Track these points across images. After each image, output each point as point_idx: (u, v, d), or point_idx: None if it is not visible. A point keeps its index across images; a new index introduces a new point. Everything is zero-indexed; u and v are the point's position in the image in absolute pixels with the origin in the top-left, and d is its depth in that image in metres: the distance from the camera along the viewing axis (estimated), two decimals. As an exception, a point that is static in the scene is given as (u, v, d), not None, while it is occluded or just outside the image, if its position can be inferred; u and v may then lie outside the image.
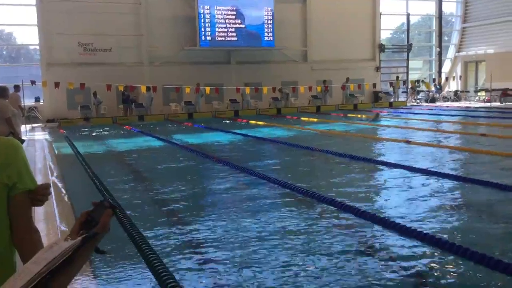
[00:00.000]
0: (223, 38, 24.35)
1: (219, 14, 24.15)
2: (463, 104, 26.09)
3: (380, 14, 28.64)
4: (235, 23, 24.54)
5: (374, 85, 26.68)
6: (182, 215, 5.98)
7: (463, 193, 6.97)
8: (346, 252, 4.47)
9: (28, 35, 23.82)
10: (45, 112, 21.80)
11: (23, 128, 15.46)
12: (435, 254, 4.41)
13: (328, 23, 26.39)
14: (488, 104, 24.65)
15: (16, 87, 17.17)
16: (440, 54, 30.47)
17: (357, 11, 27.42)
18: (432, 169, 8.16)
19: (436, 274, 4.00)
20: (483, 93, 27.39)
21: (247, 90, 23.44)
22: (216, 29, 24.12)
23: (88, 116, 21.23)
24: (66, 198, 6.82)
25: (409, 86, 28.80)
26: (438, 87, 29.48)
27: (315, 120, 19.48)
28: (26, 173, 1.76)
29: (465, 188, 7.14)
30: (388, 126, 16.19)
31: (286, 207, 6.20)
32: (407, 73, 29.84)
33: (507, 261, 3.87)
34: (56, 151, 12.56)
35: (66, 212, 5.96)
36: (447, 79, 30.64)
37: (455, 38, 31.03)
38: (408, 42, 29.79)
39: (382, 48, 28.78)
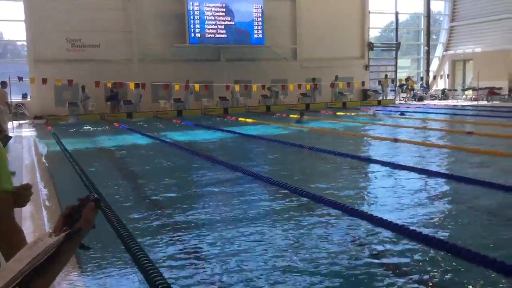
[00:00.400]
0: (213, 35, 24.30)
1: (209, 11, 24.09)
2: (450, 102, 26.31)
3: (369, 12, 28.78)
4: (224, 20, 24.50)
5: (363, 83, 26.82)
6: (171, 212, 5.98)
7: (449, 190, 7.05)
8: (334, 248, 4.51)
9: (15, 31, 23.53)
10: (33, 109, 21.59)
11: (10, 125, 15.33)
12: (421, 249, 4.46)
13: (318, 21, 26.46)
14: (475, 103, 24.91)
15: (3, 84, 16.99)
16: (428, 52, 30.70)
17: (347, 10, 27.52)
18: (419, 167, 8.25)
19: (422, 269, 4.05)
20: (470, 91, 27.66)
21: (237, 87, 23.42)
22: (206, 26, 24.06)
23: (76, 113, 21.04)
24: (53, 196, 6.77)
25: (397, 85, 29.01)
26: (425, 86, 29.69)
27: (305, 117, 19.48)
28: (3, 174, 1.74)
29: (452, 185, 7.22)
30: (377, 124, 16.30)
31: (274, 204, 6.23)
32: (396, 71, 30.06)
33: (491, 256, 3.94)
34: (43, 148, 12.47)
35: (53, 210, 5.93)
36: (435, 77, 30.89)
37: (443, 37, 31.26)
38: (396, 40, 29.97)
39: (371, 46, 28.92)
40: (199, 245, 4.73)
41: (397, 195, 6.67)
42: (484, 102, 24.86)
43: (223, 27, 24.46)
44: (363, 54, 28.74)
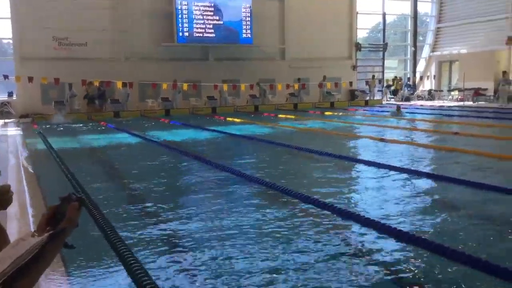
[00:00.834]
0: (201, 34, 24.26)
1: (197, 10, 24.04)
2: (436, 103, 26.56)
3: (357, 13, 28.94)
4: (213, 19, 24.46)
5: (351, 84, 26.97)
6: (158, 212, 5.96)
7: (436, 190, 7.11)
8: (322, 248, 4.53)
9: (1, 29, 23.24)
10: (19, 108, 21.35)
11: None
12: (408, 249, 4.51)
13: (306, 21, 26.56)
14: (461, 103, 25.17)
15: (-12, 82, 16.77)
16: (415, 53, 30.95)
17: (334, 10, 27.64)
18: (406, 167, 8.32)
19: (407, 268, 4.09)
20: (456, 92, 27.94)
21: (225, 87, 23.40)
22: (194, 25, 24.01)
23: (62, 112, 20.83)
24: (38, 195, 6.71)
25: (385, 85, 29.22)
26: (411, 86, 29.89)
27: (293, 117, 19.57)
28: None
29: (438, 185, 7.29)
30: (364, 124, 16.40)
31: (262, 204, 6.24)
32: (383, 72, 30.27)
33: (475, 256, 3.99)
34: (29, 147, 12.34)
35: (38, 209, 5.87)
36: (421, 78, 31.16)
37: (429, 38, 31.54)
38: (384, 41, 30.18)
39: (358, 47, 29.09)
40: (186, 245, 4.72)
41: (383, 194, 6.73)
42: (470, 103, 25.13)
43: (211, 26, 24.42)
44: (350, 55, 28.90)
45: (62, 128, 17.53)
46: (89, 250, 4.50)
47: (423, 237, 4.65)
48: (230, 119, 19.18)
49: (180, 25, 23.66)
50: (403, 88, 29.55)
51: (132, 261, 3.85)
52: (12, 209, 5.33)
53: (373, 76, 28.95)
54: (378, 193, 6.91)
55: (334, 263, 4.20)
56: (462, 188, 6.89)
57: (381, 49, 30.24)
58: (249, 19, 25.05)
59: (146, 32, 23.46)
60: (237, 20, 24.90)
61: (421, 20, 32.49)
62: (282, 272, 4.00)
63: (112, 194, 7.11)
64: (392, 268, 4.10)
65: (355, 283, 3.82)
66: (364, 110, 23.16)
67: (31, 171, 8.79)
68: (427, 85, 30.95)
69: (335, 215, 5.51)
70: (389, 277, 3.98)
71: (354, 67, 28.96)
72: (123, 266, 3.90)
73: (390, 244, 4.63)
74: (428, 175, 7.78)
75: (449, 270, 4.08)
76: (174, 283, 3.90)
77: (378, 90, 29.55)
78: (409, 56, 31.85)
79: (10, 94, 21.96)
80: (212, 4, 24.37)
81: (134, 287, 3.50)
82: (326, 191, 6.78)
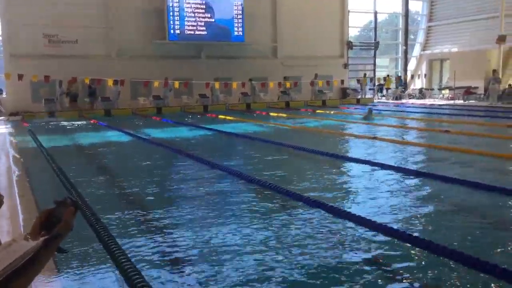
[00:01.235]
0: (192, 32, 24.17)
1: (189, 7, 23.94)
2: (427, 101, 26.70)
3: (349, 11, 29.01)
4: (204, 17, 24.38)
5: (342, 82, 27.06)
6: (149, 210, 5.93)
7: (427, 188, 7.15)
8: (314, 246, 4.54)
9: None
10: (8, 105, 21.17)
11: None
12: (393, 243, 4.53)
13: (298, 19, 26.59)
14: (451, 102, 25.33)
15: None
16: (406, 52, 31.10)
17: (327, 8, 27.70)
18: (397, 165, 8.36)
19: (397, 265, 4.11)
20: (447, 91, 28.12)
21: (217, 85, 23.35)
22: (185, 23, 23.92)
23: (53, 110, 20.67)
24: (29, 194, 6.65)
25: (376, 84, 29.34)
26: (402, 84, 30.01)
27: (284, 115, 19.58)
28: None
29: (430, 183, 7.33)
30: (356, 122, 16.44)
31: (253, 201, 6.23)
32: (374, 70, 30.38)
33: (468, 254, 4.02)
34: (19, 145, 12.23)
35: (29, 208, 5.82)
36: (412, 77, 31.31)
37: (420, 37, 31.71)
38: (375, 40, 30.29)
39: (350, 45, 29.17)
40: (178, 243, 4.70)
41: (373, 192, 6.75)
42: (461, 101, 25.30)
43: (203, 23, 24.34)
44: (342, 53, 28.97)
45: (52, 126, 17.39)
46: (81, 248, 4.47)
47: (414, 234, 4.68)
48: (222, 117, 19.15)
49: (171, 22, 23.56)
50: (397, 86, 29.62)
51: (124, 260, 3.83)
52: (3, 207, 5.27)
53: (365, 74, 29.06)
54: (372, 191, 6.92)
55: (329, 261, 4.21)
56: (451, 185, 6.93)
57: (373, 47, 30.36)
58: (240, 17, 25.00)
59: (138, 29, 23.33)
60: (229, 18, 24.84)
61: (412, 18, 32.66)
62: (275, 271, 4.00)
63: (104, 191, 7.06)
64: (388, 268, 4.11)
65: (349, 280, 3.84)
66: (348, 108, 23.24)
67: (21, 169, 8.71)
68: (418, 83, 31.11)
69: (329, 213, 5.53)
70: (384, 275, 4.00)
71: (346, 66, 29.04)
72: (115, 265, 3.88)
73: (382, 240, 4.65)
74: (417, 173, 7.81)
75: (441, 268, 4.11)
76: (165, 281, 3.89)
77: (370, 89, 29.66)
78: (400, 54, 31.99)
79: (-1, 92, 21.80)
80: (204, 2, 24.29)
81: (126, 286, 3.48)
82: (315, 186, 6.79)
